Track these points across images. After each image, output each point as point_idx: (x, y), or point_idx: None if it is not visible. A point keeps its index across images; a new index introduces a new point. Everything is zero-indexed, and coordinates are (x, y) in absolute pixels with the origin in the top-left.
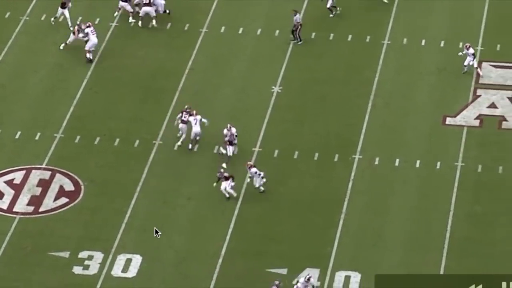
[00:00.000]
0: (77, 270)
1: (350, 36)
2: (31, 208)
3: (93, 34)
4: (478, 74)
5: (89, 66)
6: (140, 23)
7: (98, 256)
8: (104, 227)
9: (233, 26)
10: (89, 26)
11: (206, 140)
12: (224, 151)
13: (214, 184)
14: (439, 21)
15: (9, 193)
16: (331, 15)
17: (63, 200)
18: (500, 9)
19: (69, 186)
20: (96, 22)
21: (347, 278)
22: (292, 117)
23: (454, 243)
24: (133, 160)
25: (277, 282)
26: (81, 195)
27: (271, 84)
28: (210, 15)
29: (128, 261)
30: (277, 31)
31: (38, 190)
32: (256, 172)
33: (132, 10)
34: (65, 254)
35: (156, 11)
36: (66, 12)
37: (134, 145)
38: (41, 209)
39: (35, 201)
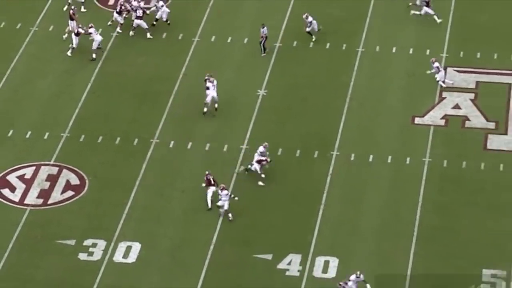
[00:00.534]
0: (82, 256)
1: (328, 44)
2: (40, 201)
3: (96, 34)
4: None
5: (93, 72)
6: (131, 33)
7: (101, 243)
8: (107, 217)
9: (222, 36)
10: (91, 27)
11: (198, 138)
12: (252, 169)
13: (203, 184)
14: (409, 30)
15: (20, 187)
16: (313, 40)
17: (70, 193)
18: (463, 20)
19: (74, 181)
20: (98, 32)
21: (326, 263)
22: (276, 118)
23: (422, 231)
24: (132, 157)
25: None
26: (86, 188)
27: (257, 88)
28: (202, 25)
29: (128, 248)
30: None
31: (47, 184)
32: (227, 194)
33: (122, 22)
34: (71, 242)
35: (160, 18)
36: (73, 23)
37: (133, 144)
38: (49, 202)
39: (44, 194)
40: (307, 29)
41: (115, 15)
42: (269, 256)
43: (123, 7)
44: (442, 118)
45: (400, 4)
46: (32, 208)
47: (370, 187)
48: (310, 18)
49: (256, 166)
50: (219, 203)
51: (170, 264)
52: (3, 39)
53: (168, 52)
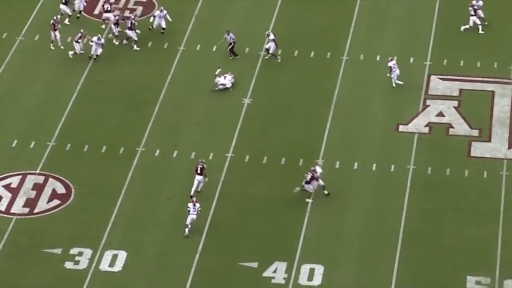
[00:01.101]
0: (69, 265)
1: (312, 53)
2: (26, 210)
3: (99, 45)
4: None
5: (79, 81)
6: (116, 40)
7: (87, 252)
8: (93, 226)
9: (207, 45)
10: (99, 38)
11: (183, 146)
12: (308, 189)
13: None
14: (393, 38)
15: (6, 196)
16: (279, 59)
17: (56, 202)
18: (446, 28)
19: (61, 189)
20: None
21: (312, 270)
22: (261, 126)
23: (406, 237)
24: (118, 165)
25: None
26: (72, 197)
27: (242, 96)
28: (187, 35)
29: (115, 257)
30: (247, 49)
31: (33, 193)
32: (195, 207)
33: (117, 34)
34: (58, 251)
35: (159, 25)
36: (57, 33)
37: (119, 152)
38: (35, 210)
39: (30, 203)
40: (266, 46)
41: (112, 26)
42: (254, 264)
43: (119, 17)
44: (426, 125)
45: (383, 12)
46: (18, 217)
47: (355, 194)
48: (271, 36)
49: (312, 185)
50: (188, 219)
51: (156, 271)
52: None
53: (154, 61)
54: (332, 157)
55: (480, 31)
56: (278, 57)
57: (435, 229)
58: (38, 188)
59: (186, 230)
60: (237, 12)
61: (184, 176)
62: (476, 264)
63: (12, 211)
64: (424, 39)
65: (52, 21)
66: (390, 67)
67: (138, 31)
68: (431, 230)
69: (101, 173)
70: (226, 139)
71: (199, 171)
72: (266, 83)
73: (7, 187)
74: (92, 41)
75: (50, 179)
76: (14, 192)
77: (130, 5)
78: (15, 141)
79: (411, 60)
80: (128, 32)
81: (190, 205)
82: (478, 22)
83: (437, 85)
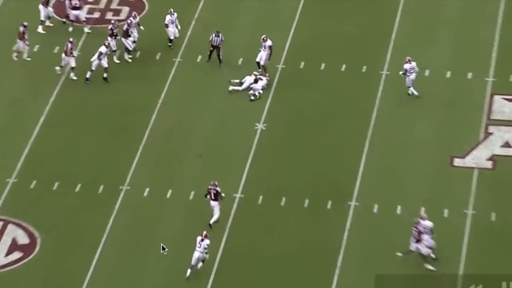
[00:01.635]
0: None
1: (344, 66)
2: None
3: (101, 59)
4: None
5: (48, 100)
6: (117, 59)
7: None
8: (64, 285)
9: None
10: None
11: (180, 184)
12: (422, 251)
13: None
14: (444, 50)
15: None
16: (267, 76)
17: (16, 254)
18: None
19: (22, 239)
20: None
21: None
22: (278, 158)
23: None
24: (97, 208)
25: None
26: (37, 248)
27: (254, 120)
28: (185, 43)
29: None
30: None
31: None
32: (206, 244)
33: (115, 49)
34: None
35: (174, 32)
36: (21, 43)
37: (98, 191)
38: None
39: None
40: (257, 59)
41: (109, 38)
42: None
43: (113, 26)
44: (489, 159)
45: (432, 15)
46: None
47: (398, 246)
48: (268, 42)
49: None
50: (192, 258)
51: None
52: None
53: (143, 75)
54: (369, 199)
55: None
56: (267, 74)
57: None
58: None
59: (189, 271)
60: (248, 15)
61: (180, 221)
62: None
63: None
64: (485, 49)
65: (21, 28)
66: (406, 69)
67: (131, 38)
68: None
69: (74, 218)
70: (234, 175)
71: (213, 197)
72: (284, 103)
73: None
74: (101, 55)
75: (10, 226)
76: None
77: (113, 6)
78: None
79: (469, 75)
80: (123, 40)
81: (198, 238)
82: None
83: (503, 107)
